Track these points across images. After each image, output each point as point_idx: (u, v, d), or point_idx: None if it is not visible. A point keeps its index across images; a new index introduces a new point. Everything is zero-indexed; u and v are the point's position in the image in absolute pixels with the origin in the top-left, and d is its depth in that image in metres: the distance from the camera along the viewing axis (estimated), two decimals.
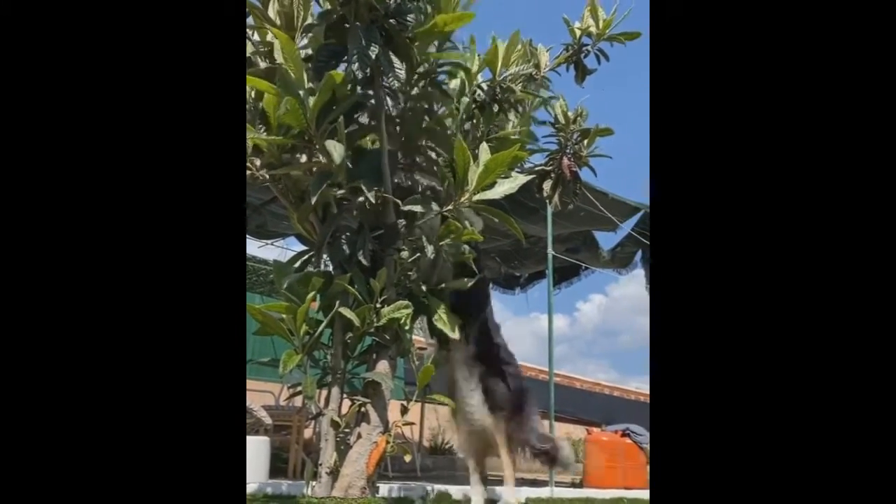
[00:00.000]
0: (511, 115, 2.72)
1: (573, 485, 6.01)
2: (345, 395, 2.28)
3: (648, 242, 7.76)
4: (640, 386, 14.25)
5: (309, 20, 2.21)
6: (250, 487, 3.14)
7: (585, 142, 2.95)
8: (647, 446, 6.60)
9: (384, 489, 3.39)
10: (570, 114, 2.88)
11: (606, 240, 7.95)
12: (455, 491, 3.32)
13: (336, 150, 1.98)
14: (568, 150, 2.97)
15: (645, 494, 5.46)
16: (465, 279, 2.48)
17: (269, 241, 6.97)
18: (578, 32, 2.80)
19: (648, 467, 6.62)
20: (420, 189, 2.53)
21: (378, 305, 2.20)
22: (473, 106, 2.59)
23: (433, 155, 2.59)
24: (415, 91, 2.43)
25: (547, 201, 3.04)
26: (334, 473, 2.14)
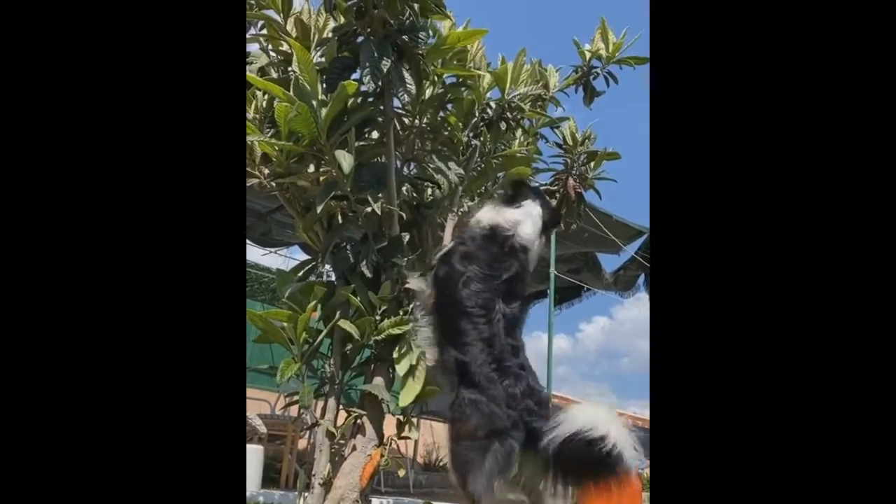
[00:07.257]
0: (518, 133, 2.73)
1: None
2: (341, 407, 2.27)
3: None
4: (637, 410, 14.18)
5: (325, 35, 2.24)
6: None
7: (592, 164, 2.96)
8: (644, 471, 6.53)
9: None
10: (577, 135, 2.90)
11: (609, 262, 7.96)
12: None
13: (346, 160, 1.99)
14: (574, 172, 2.98)
15: None
16: None
17: (273, 250, 6.98)
18: (588, 55, 2.82)
19: (644, 493, 6.54)
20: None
21: (378, 318, 2.20)
22: (481, 123, 2.61)
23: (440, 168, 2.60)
24: (426, 107, 2.45)
25: None
26: (327, 485, 2.12)
